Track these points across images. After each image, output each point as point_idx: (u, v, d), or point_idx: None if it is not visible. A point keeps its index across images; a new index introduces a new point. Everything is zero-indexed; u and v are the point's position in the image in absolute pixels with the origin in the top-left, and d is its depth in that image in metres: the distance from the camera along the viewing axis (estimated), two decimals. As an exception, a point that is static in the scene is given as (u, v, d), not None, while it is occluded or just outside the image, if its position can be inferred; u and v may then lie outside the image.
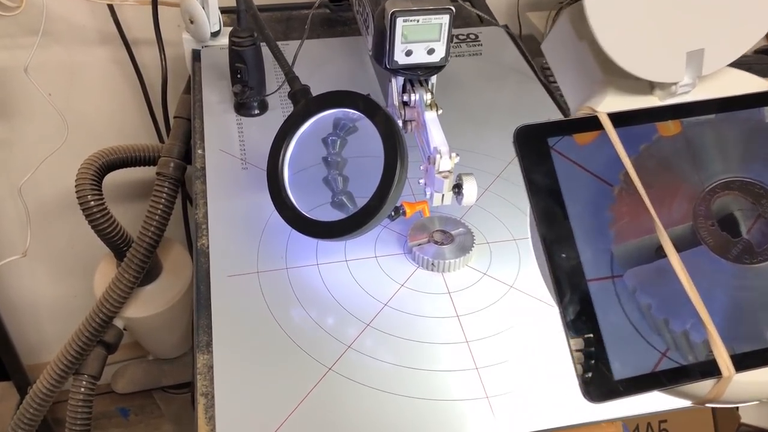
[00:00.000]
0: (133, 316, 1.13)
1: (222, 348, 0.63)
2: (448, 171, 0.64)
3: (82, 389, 1.09)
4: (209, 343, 0.64)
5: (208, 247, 0.72)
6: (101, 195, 1.02)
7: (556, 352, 0.63)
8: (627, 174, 0.46)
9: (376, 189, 0.61)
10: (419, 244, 0.71)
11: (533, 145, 0.46)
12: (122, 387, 1.25)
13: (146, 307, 1.14)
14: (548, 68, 1.06)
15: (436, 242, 0.71)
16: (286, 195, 0.67)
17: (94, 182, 1.02)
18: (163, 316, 1.16)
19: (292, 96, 0.71)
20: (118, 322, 1.12)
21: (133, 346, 1.42)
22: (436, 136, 0.65)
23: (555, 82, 1.03)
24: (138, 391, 1.27)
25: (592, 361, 0.42)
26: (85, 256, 1.37)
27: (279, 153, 0.67)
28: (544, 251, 0.44)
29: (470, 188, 0.65)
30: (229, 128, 0.88)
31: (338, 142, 0.72)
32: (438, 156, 0.63)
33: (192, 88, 0.98)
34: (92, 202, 1.00)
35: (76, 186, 1.00)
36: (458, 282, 0.69)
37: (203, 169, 0.82)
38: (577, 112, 0.50)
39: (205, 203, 0.77)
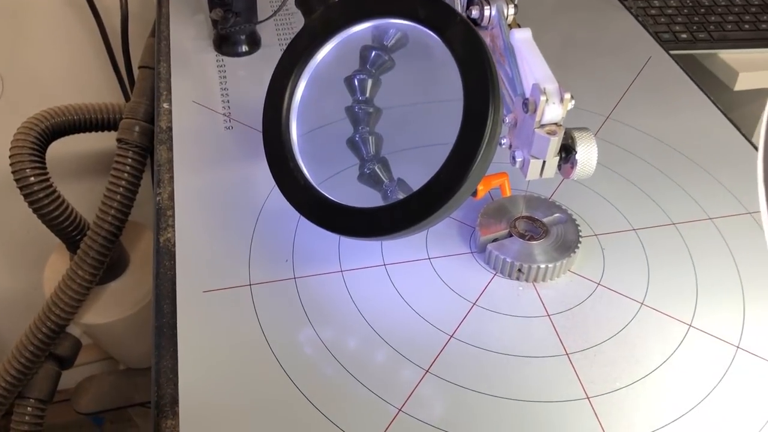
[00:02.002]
0: (93, 323, 0.91)
1: (193, 410, 0.39)
2: (556, 124, 0.40)
3: (27, 417, 0.87)
4: (175, 402, 0.40)
5: (174, 245, 0.48)
6: (44, 169, 0.81)
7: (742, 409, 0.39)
8: None
9: (450, 153, 0.36)
10: (496, 239, 0.47)
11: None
12: (85, 406, 1.03)
13: (109, 310, 0.92)
14: (631, -5, 0.81)
15: (521, 235, 0.47)
16: (296, 165, 0.41)
17: (35, 153, 0.81)
18: (131, 321, 0.93)
19: (304, 3, 0.45)
20: (74, 330, 0.89)
21: (98, 347, 1.20)
22: (537, 67, 0.40)
23: (647, 13, 0.79)
24: (105, 410, 1.04)
25: None
26: (44, 241, 1.15)
27: (282, 99, 0.41)
28: None
29: (588, 152, 0.41)
30: (206, 73, 0.65)
31: (368, 84, 0.47)
32: (542, 98, 0.38)
33: (158, 22, 0.73)
34: (32, 178, 0.81)
35: (10, 157, 0.79)
36: (559, 297, 0.45)
37: (170, 130, 0.59)
38: None
39: (171, 179, 0.53)
